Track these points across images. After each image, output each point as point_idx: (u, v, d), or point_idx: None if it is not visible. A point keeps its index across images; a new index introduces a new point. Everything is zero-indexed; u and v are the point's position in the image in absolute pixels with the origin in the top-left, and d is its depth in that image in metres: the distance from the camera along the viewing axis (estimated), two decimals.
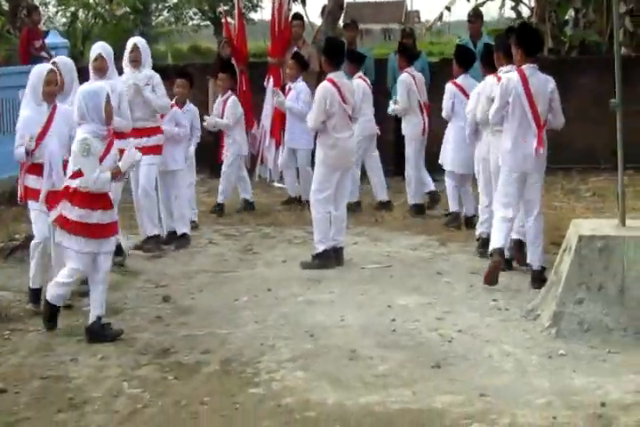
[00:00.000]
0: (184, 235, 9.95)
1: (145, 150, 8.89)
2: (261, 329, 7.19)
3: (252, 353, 6.64)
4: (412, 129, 11.40)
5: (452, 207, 10.73)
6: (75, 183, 6.89)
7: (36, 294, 7.66)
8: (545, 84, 8.22)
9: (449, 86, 10.64)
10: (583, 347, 6.63)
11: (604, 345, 6.63)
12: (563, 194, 12.49)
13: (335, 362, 6.45)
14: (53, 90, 7.62)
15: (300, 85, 11.65)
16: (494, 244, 8.20)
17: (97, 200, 6.93)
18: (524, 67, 8.18)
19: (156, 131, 9.58)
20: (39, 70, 7.61)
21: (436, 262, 9.14)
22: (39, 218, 7.57)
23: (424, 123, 11.36)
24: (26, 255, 9.05)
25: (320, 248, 9.01)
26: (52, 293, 7.08)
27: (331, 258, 9.03)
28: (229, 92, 11.48)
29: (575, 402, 5.68)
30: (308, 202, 10.75)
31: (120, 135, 8.26)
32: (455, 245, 9.83)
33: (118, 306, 7.76)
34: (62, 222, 6.92)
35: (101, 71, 8.85)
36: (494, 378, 6.11)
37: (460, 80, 10.55)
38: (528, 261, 8.46)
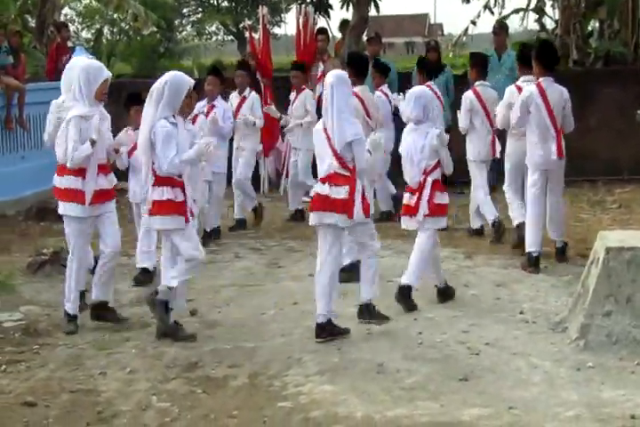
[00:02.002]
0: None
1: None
2: (288, 343, 7.21)
3: (279, 367, 6.66)
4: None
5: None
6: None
7: None
8: (560, 94, 9.25)
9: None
10: (611, 359, 6.60)
11: (632, 357, 6.60)
12: (589, 206, 12.45)
13: (362, 375, 6.45)
14: None
15: (222, 103, 11.02)
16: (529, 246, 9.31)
17: None
18: (541, 80, 9.20)
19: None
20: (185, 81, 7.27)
21: (462, 275, 9.12)
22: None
23: None
24: (54, 270, 9.17)
25: (346, 261, 9.02)
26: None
27: (357, 271, 9.02)
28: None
29: (604, 414, 5.66)
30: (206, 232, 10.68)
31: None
32: (481, 257, 9.82)
33: (146, 320, 7.79)
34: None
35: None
36: (522, 391, 6.09)
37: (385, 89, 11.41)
38: (553, 237, 9.59)
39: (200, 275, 9.30)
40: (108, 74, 7.62)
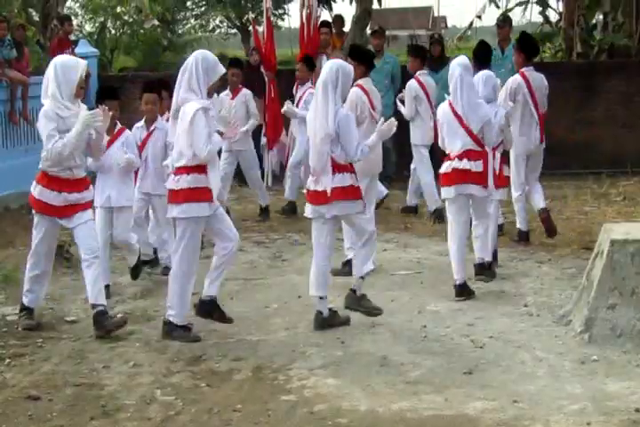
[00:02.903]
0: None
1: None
2: (292, 336, 7.21)
3: (283, 360, 6.65)
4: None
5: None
6: None
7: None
8: (541, 81, 10.06)
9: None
10: (616, 352, 6.59)
11: (637, 350, 6.59)
12: (593, 198, 12.41)
13: (366, 369, 6.45)
14: None
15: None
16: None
17: None
18: (524, 69, 9.95)
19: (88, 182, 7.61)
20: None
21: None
22: None
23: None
24: (57, 264, 9.14)
25: (350, 255, 9.01)
26: None
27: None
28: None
29: (609, 408, 5.65)
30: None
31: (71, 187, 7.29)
32: None
33: (150, 313, 7.81)
34: None
35: None
36: (527, 384, 6.08)
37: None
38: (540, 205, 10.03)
39: (204, 268, 9.34)
40: (223, 70, 7.22)
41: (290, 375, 6.35)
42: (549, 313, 7.56)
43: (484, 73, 8.92)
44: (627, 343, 6.68)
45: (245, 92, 11.51)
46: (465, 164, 8.12)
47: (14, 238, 10.56)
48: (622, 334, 6.75)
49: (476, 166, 8.12)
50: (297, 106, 11.53)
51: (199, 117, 6.94)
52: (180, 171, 7.07)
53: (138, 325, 7.54)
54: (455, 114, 8.18)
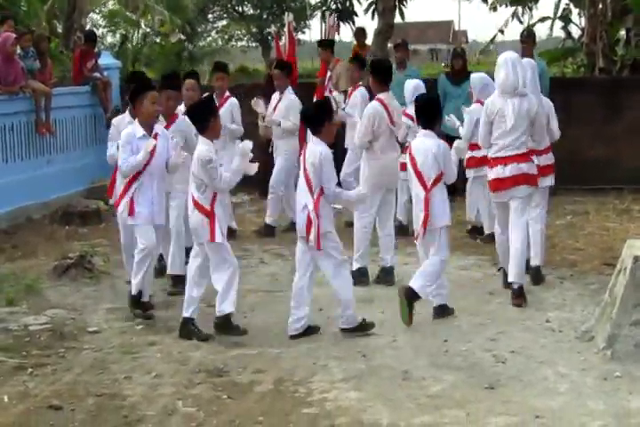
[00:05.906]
0: None
1: None
2: (313, 349, 7.20)
3: (304, 373, 6.65)
4: None
5: None
6: None
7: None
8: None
9: None
10: (639, 369, 6.54)
11: None
12: (615, 214, 12.35)
13: (388, 382, 6.43)
14: None
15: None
16: None
17: None
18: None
19: None
20: None
21: (488, 283, 9.08)
22: None
23: None
24: (79, 274, 9.20)
25: (355, 266, 9.07)
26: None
27: (364, 276, 9.09)
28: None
29: (632, 425, 5.63)
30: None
31: None
32: None
33: (172, 325, 7.79)
34: None
35: None
36: (549, 400, 6.06)
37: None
38: None
39: None
40: None
41: (311, 388, 6.34)
42: (572, 329, 7.52)
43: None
44: None
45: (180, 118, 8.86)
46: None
47: (36, 249, 10.61)
48: None
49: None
50: (274, 111, 11.44)
51: None
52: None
53: (159, 335, 7.55)
54: None
